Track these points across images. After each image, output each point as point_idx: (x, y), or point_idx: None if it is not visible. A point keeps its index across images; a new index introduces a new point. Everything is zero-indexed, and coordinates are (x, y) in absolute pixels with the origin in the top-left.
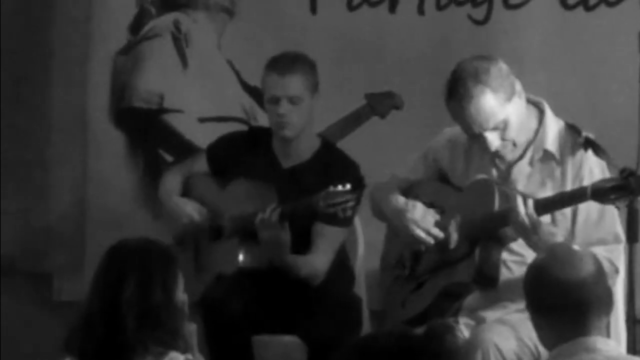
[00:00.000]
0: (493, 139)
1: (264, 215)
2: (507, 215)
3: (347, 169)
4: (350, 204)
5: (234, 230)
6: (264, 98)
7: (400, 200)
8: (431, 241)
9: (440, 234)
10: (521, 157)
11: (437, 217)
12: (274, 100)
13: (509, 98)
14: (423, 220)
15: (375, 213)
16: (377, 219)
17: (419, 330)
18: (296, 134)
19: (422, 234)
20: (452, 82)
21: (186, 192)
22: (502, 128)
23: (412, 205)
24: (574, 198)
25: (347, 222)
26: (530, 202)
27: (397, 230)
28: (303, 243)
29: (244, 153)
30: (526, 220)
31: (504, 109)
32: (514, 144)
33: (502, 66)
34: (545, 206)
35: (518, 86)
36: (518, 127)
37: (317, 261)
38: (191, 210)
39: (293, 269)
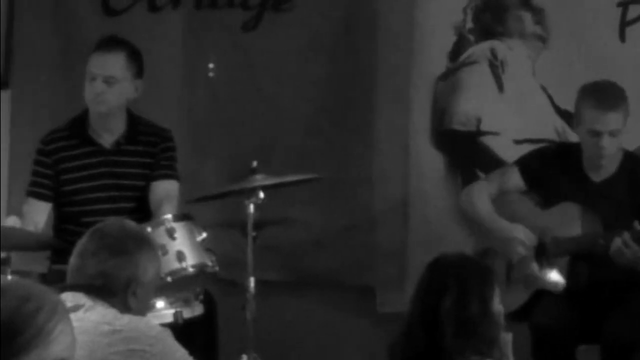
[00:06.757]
0: None
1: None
2: None
3: None
4: None
5: (559, 251)
6: (578, 125)
7: None
8: None
9: None
10: None
11: None
12: (595, 133)
13: None
14: None
15: None
16: None
17: None
18: (611, 159)
19: None
20: None
21: (500, 210)
22: None
23: None
24: None
25: None
26: None
27: None
28: None
29: (556, 168)
30: None
31: None
32: None
33: None
34: None
35: None
36: None
37: None
38: (522, 235)
39: None
